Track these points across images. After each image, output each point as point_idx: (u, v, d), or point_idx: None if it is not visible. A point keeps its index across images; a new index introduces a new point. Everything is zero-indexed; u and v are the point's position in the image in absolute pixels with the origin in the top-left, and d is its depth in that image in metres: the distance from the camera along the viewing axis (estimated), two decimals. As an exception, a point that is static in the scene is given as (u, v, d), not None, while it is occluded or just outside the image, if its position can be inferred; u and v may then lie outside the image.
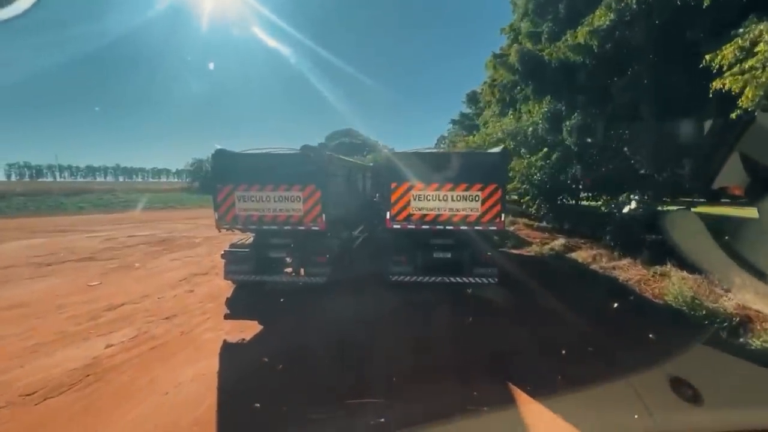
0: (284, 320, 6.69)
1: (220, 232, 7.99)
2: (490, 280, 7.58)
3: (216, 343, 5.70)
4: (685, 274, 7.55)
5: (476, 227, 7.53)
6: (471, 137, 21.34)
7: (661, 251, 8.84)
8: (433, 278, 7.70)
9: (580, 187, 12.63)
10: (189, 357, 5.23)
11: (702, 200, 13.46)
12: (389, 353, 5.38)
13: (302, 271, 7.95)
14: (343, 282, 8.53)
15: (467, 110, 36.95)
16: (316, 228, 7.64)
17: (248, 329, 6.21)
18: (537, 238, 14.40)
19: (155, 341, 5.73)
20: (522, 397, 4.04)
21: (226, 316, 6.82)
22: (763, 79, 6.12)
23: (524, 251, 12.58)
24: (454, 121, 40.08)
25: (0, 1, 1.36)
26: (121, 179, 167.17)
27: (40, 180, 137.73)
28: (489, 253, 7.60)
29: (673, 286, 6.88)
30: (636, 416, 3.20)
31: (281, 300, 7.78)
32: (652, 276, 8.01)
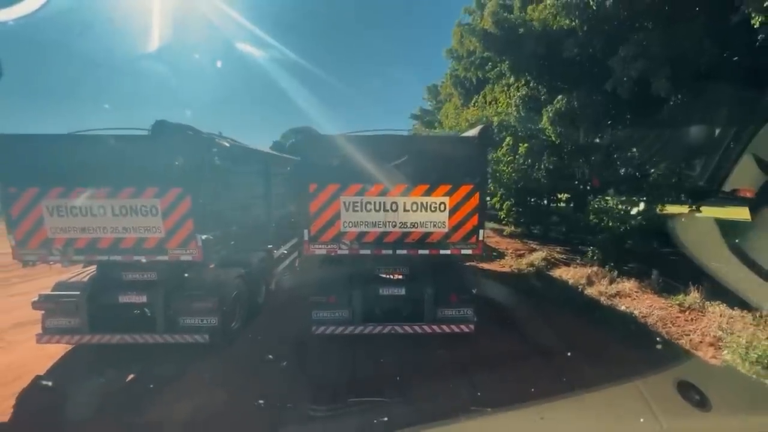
0: None
1: (24, 267, 4.85)
2: (463, 328, 5.09)
3: None
4: (724, 308, 5.50)
5: (442, 251, 5.02)
6: (432, 130, 19.11)
7: (674, 269, 6.89)
8: (379, 327, 5.08)
9: (584, 185, 10.53)
10: None
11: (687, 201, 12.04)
12: None
13: (174, 323, 5.01)
14: (251, 336, 5.66)
15: (427, 105, 34.77)
16: (188, 257, 4.74)
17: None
18: (509, 247, 12.34)
19: None
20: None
21: None
22: None
23: (497, 266, 10.35)
24: (414, 116, 37.68)
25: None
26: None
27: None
28: (464, 295, 5.09)
29: (731, 334, 4.72)
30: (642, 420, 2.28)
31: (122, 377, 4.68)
32: (679, 309, 5.93)
